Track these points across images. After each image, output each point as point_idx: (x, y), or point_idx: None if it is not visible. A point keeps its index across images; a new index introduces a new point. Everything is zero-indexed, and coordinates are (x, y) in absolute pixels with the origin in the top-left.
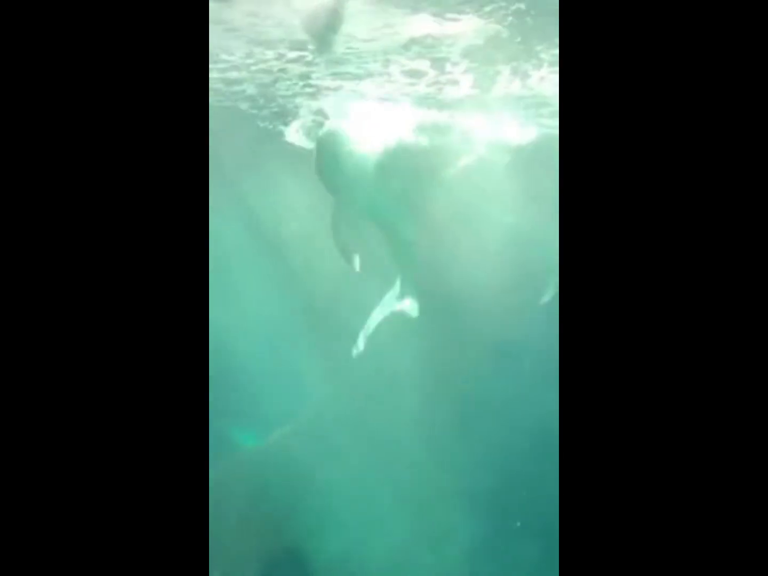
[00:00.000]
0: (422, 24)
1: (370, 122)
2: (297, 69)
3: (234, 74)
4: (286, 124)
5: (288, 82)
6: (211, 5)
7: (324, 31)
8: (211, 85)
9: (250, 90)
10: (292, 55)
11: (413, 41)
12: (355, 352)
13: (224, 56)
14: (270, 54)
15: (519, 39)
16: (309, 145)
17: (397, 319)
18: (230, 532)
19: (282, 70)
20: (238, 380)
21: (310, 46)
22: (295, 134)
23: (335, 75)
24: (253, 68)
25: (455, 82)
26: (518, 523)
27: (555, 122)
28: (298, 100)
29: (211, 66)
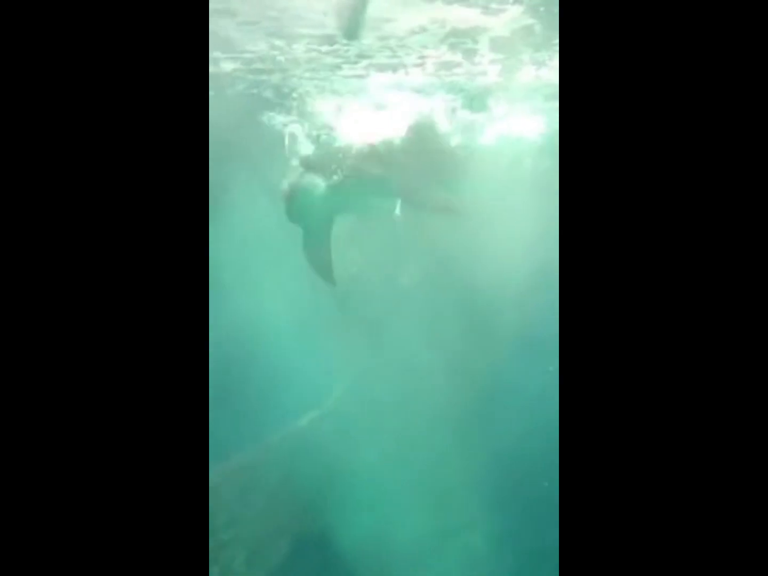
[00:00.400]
0: (458, 13)
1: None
2: (324, 60)
3: (259, 65)
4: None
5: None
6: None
7: (351, 17)
8: (237, 74)
9: (275, 80)
10: (321, 47)
11: (449, 32)
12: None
13: (249, 47)
14: (298, 46)
15: (546, 30)
16: (308, 148)
17: (424, 311)
18: (260, 513)
19: (309, 61)
20: (268, 367)
21: (338, 33)
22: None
23: (355, 64)
24: (280, 59)
25: (484, 73)
26: (546, 483)
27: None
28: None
29: (235, 56)
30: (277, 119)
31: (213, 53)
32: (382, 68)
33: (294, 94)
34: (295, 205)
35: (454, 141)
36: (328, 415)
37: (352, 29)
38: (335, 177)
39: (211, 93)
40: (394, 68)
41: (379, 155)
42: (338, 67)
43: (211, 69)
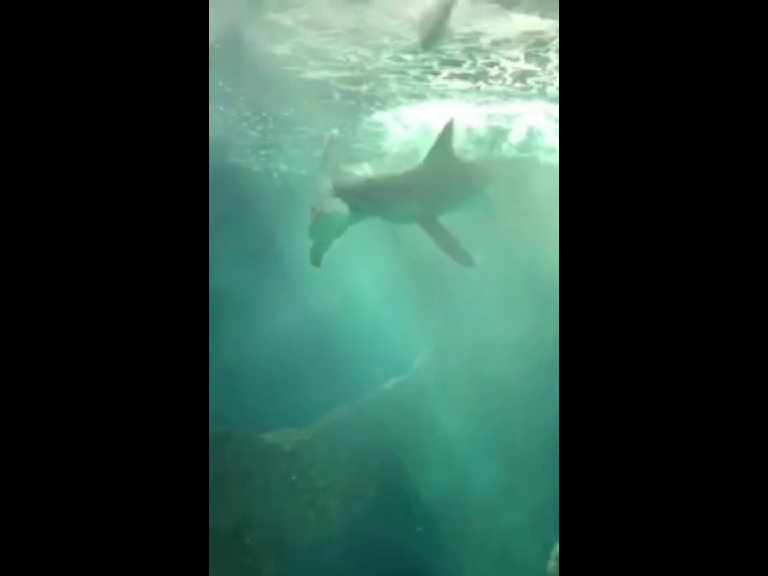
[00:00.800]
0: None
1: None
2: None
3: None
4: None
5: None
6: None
7: (433, 28)
8: (330, 82)
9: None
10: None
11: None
12: None
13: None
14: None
15: None
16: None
17: (496, 288)
18: (347, 466)
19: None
20: (359, 338)
21: (416, 42)
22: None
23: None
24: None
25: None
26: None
27: None
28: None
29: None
30: (371, 121)
31: (308, 62)
32: (464, 77)
33: (381, 102)
34: (317, 228)
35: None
36: (410, 381)
37: (432, 40)
38: (358, 209)
39: (304, 101)
40: (476, 78)
41: (407, 187)
42: (422, 77)
43: (305, 76)
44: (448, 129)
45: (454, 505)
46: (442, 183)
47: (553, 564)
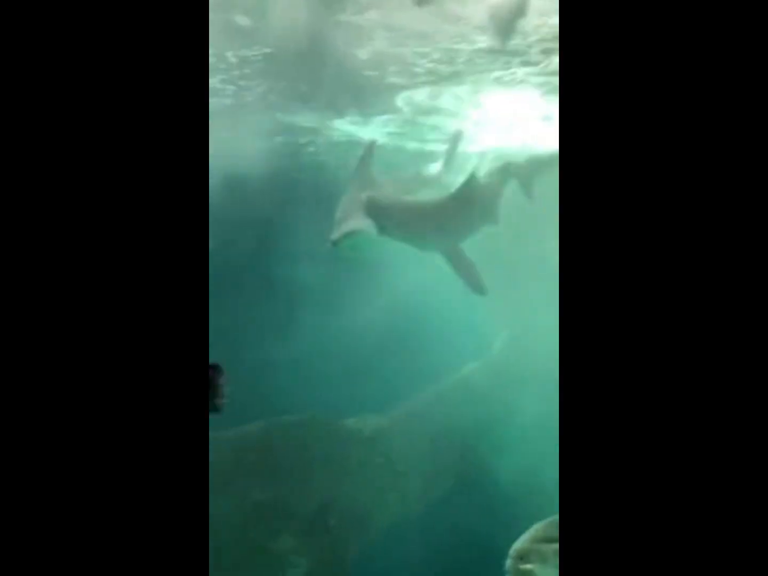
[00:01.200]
0: None
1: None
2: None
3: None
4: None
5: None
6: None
7: (506, 24)
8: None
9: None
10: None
11: None
12: None
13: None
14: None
15: None
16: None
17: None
18: (426, 451)
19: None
20: (435, 323)
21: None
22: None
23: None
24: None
25: None
26: None
27: None
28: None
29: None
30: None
31: (388, 68)
32: (539, 74)
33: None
34: (342, 245)
35: None
36: (488, 366)
37: (506, 33)
38: (387, 232)
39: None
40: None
41: (440, 219)
42: (493, 71)
43: (385, 81)
44: (479, 161)
45: (531, 489)
46: (469, 214)
47: (510, 562)
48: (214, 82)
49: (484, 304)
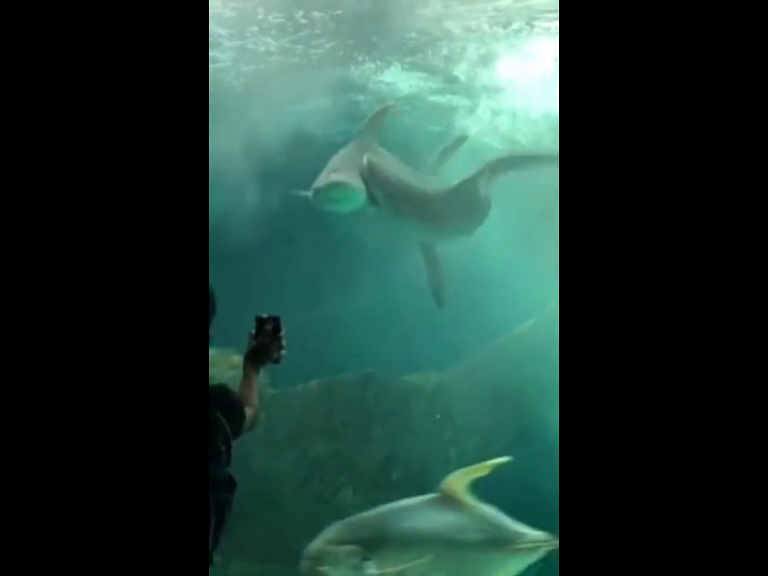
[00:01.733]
0: None
1: None
2: None
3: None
4: None
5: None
6: None
7: None
8: None
9: None
10: None
11: None
12: None
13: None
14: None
15: None
16: None
17: None
18: (486, 406)
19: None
20: (493, 279)
21: None
22: None
23: None
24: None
25: None
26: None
27: None
28: None
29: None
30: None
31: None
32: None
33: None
34: (324, 194)
35: None
36: (545, 322)
37: None
38: (374, 201)
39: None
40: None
41: (423, 202)
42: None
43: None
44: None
45: None
46: (459, 214)
47: (306, 564)
48: (282, 42)
49: (539, 265)
